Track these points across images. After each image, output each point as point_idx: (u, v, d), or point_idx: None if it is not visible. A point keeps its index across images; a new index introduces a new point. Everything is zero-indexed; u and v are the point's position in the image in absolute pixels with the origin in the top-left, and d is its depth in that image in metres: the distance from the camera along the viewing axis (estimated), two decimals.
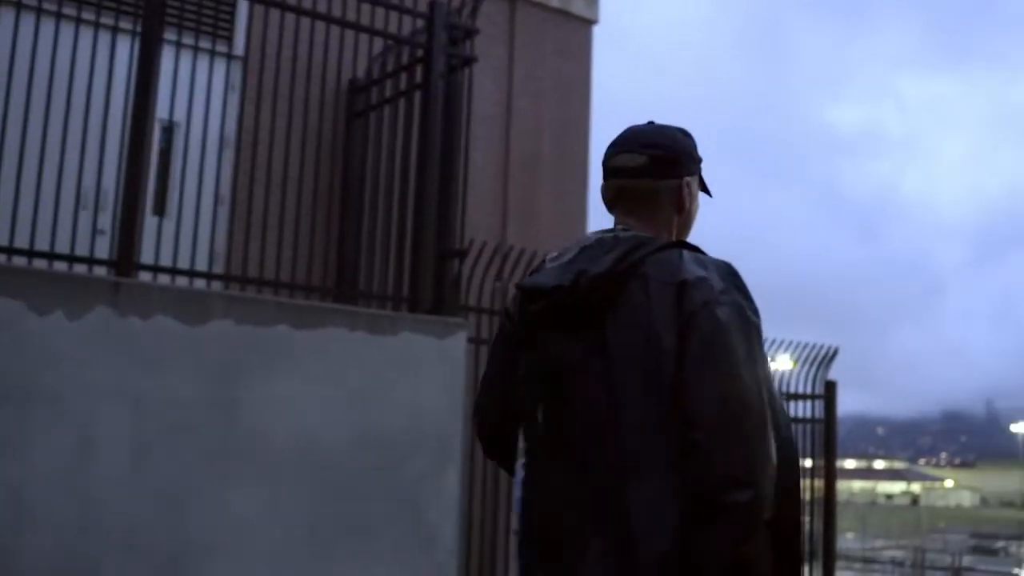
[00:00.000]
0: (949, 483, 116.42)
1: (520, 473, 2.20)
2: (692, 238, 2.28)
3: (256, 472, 4.67)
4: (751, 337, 2.01)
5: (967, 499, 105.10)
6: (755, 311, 2.06)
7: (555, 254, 2.26)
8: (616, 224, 2.27)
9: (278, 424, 4.75)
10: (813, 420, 8.47)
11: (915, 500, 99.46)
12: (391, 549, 5.10)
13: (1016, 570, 36.54)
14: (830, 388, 8.47)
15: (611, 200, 2.30)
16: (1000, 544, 48.89)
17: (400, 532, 5.14)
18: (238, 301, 4.75)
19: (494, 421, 2.36)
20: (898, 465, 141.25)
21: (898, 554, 37.82)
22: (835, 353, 8.39)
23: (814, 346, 8.35)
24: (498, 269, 6.87)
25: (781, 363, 8.26)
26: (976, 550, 43.44)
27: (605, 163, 2.31)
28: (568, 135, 8.89)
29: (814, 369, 8.34)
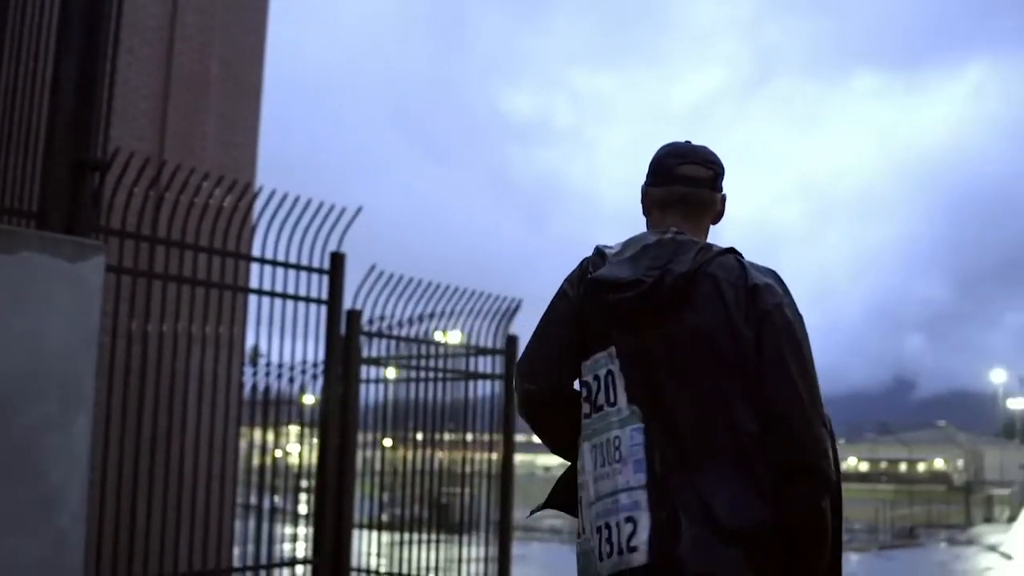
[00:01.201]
0: None
1: (638, 436, 2.44)
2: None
3: None
4: (807, 333, 2.50)
5: None
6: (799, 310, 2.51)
7: (614, 249, 2.61)
8: (666, 226, 2.63)
9: None
10: (494, 376, 8.12)
11: None
12: (0, 513, 4.16)
13: None
14: (511, 343, 8.14)
15: (671, 203, 2.68)
16: (559, 522, 51.29)
17: (13, 493, 4.20)
18: None
19: (546, 377, 2.62)
20: None
21: (556, 522, 39.28)
22: (518, 306, 8.06)
23: (496, 298, 8.00)
24: (148, 187, 5.92)
25: (454, 335, 7.90)
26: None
27: (671, 170, 2.69)
28: (241, 63, 8.05)
29: (496, 322, 7.99)
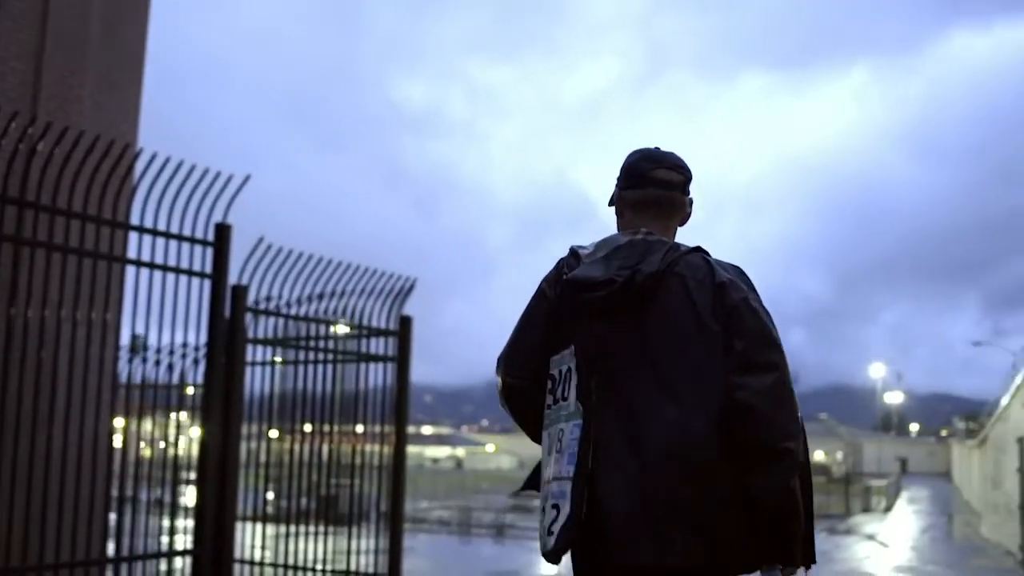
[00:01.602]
0: (490, 447, 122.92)
1: (577, 431, 2.60)
2: None
3: None
4: (774, 324, 2.64)
5: (506, 462, 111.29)
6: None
7: (588, 249, 2.77)
8: (637, 227, 2.80)
9: None
10: (387, 358, 7.77)
11: (459, 463, 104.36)
12: None
13: None
14: (405, 324, 7.80)
15: (645, 205, 2.84)
16: (536, 503, 51.51)
17: None
18: None
19: (528, 370, 2.80)
20: (444, 431, 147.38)
21: (445, 514, 38.97)
22: (412, 286, 7.72)
23: (391, 276, 7.64)
24: (16, 143, 5.40)
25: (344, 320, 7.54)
26: (516, 508, 45.84)
27: (645, 174, 2.83)
28: (122, 26, 7.56)
29: (389, 303, 7.64)
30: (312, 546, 7.61)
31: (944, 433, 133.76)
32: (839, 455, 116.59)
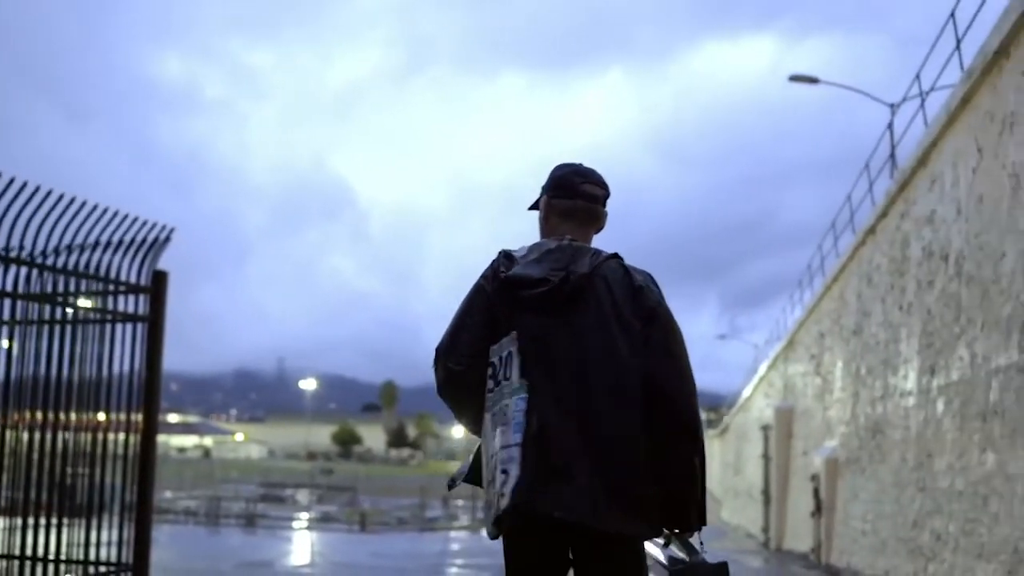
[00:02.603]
0: (240, 437, 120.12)
1: (521, 403, 2.97)
2: None
3: None
4: (678, 324, 3.17)
5: (256, 452, 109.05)
6: None
7: (520, 252, 3.19)
8: (562, 233, 3.25)
9: None
10: (138, 317, 6.69)
11: (207, 453, 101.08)
12: None
13: (299, 514, 38.22)
14: (160, 280, 6.73)
15: (572, 214, 3.29)
16: (288, 492, 51.42)
17: None
18: None
19: (469, 358, 3.10)
20: (192, 419, 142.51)
21: (192, 504, 37.54)
22: (168, 237, 6.66)
23: (144, 223, 6.55)
24: None
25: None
26: (266, 498, 44.95)
27: (576, 187, 3.30)
28: None
29: (141, 256, 6.57)
30: (45, 538, 6.49)
31: None
32: None
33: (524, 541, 3.04)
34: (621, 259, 3.19)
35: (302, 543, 24.39)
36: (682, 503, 3.02)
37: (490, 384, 3.09)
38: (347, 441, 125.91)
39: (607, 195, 3.34)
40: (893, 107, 21.01)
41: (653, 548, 3.21)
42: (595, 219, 3.33)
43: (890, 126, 20.06)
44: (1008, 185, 10.90)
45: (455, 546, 25.06)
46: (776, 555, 25.87)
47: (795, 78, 22.11)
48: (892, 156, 19.18)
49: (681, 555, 3.07)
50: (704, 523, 3.10)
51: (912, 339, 15.03)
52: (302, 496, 50.31)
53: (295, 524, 34.89)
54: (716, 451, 51.76)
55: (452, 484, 3.36)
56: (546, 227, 3.32)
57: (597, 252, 3.18)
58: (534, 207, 3.40)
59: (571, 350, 3.01)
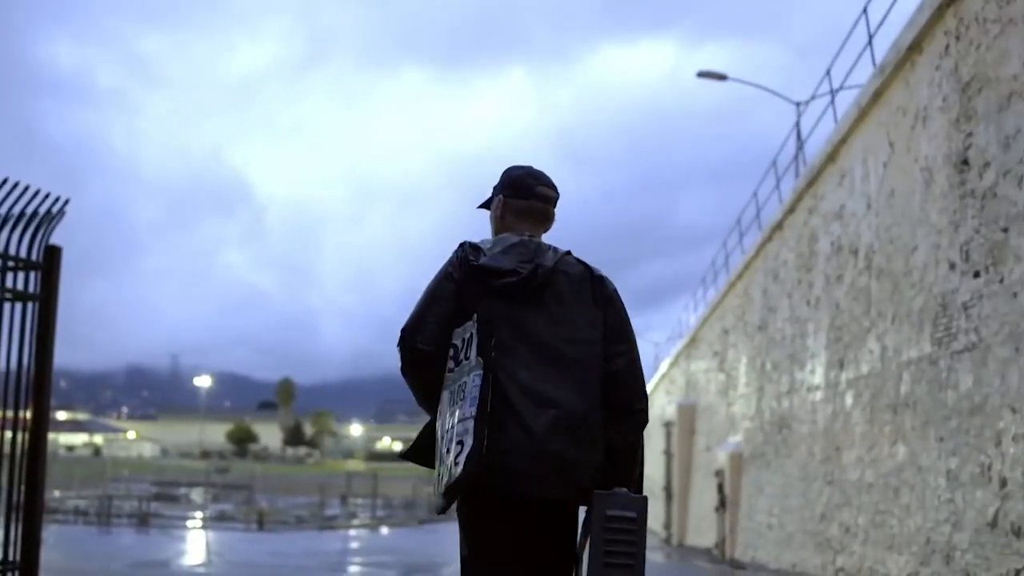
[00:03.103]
0: (132, 435, 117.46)
1: (478, 380, 3.16)
2: None
3: None
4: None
5: (148, 450, 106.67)
6: None
7: (486, 244, 3.46)
8: (520, 231, 3.53)
9: None
10: (27, 296, 6.17)
11: (98, 451, 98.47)
12: None
13: (194, 513, 37.78)
14: (53, 256, 6.21)
15: (528, 214, 3.58)
16: (182, 491, 50.49)
17: None
18: None
19: (435, 338, 3.32)
20: (81, 417, 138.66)
21: (82, 503, 36.35)
22: (63, 209, 6.16)
23: (34, 193, 6.03)
24: None
25: None
26: (159, 497, 43.89)
27: (530, 188, 3.59)
28: None
29: (32, 229, 6.06)
30: None
31: None
32: None
33: (476, 515, 3.25)
34: (571, 254, 3.52)
35: (198, 542, 23.65)
36: (627, 469, 3.34)
37: (450, 364, 3.31)
38: (243, 439, 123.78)
39: (557, 197, 3.66)
40: (799, 105, 21.26)
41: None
42: (547, 219, 3.63)
43: (797, 124, 20.30)
44: (921, 179, 10.96)
45: (355, 544, 24.60)
46: (679, 551, 25.99)
47: (703, 74, 22.24)
48: (797, 155, 19.39)
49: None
50: (641, 489, 3.39)
51: (820, 333, 15.13)
52: (196, 495, 49.17)
53: (190, 523, 33.99)
54: None
55: (404, 456, 3.56)
56: (501, 224, 3.59)
57: (555, 248, 3.49)
58: (484, 206, 3.71)
59: (537, 334, 3.30)
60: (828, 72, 15.75)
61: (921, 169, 10.95)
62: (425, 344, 3.31)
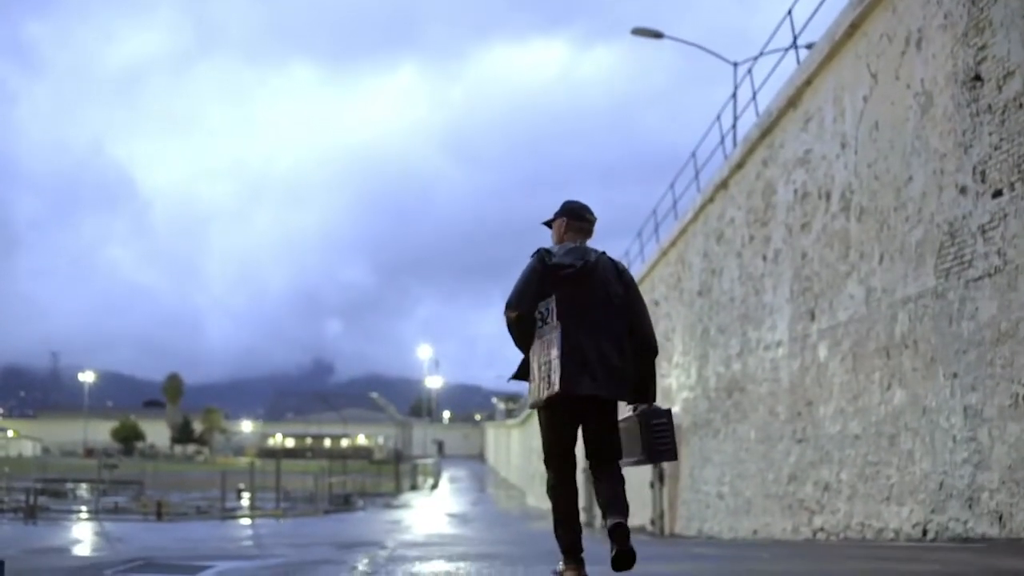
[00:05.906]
0: (10, 433, 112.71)
1: (557, 331, 5.14)
2: None
3: None
4: None
5: (30, 448, 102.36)
6: None
7: (555, 249, 5.44)
8: (575, 240, 5.50)
9: None
10: None
11: None
12: None
13: (83, 507, 37.38)
14: None
15: (580, 231, 5.57)
16: (68, 486, 49.34)
17: None
18: None
19: (529, 308, 5.27)
20: None
21: None
22: None
23: None
24: None
25: None
26: (45, 492, 42.09)
27: (583, 215, 5.61)
28: None
29: None
30: None
31: (478, 417, 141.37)
32: (381, 439, 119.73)
33: (561, 409, 5.21)
34: (607, 254, 5.56)
35: (95, 532, 22.01)
36: (648, 386, 5.43)
37: (539, 324, 5.29)
38: (129, 437, 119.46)
39: (595, 220, 5.67)
40: (736, 65, 20.61)
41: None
42: (590, 233, 5.61)
43: (735, 87, 19.61)
44: (916, 104, 10.19)
45: (264, 531, 23.25)
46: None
47: (638, 31, 21.36)
48: (736, 120, 18.69)
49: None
50: (655, 400, 5.50)
51: (781, 287, 14.34)
52: (84, 491, 47.17)
53: (82, 515, 32.15)
54: (515, 441, 51.24)
55: (512, 378, 5.55)
56: (564, 236, 5.56)
57: (596, 250, 5.48)
58: (548, 224, 5.75)
59: (588, 304, 5.25)
60: (789, 12, 14.95)
61: (916, 95, 10.19)
62: (523, 310, 5.29)
